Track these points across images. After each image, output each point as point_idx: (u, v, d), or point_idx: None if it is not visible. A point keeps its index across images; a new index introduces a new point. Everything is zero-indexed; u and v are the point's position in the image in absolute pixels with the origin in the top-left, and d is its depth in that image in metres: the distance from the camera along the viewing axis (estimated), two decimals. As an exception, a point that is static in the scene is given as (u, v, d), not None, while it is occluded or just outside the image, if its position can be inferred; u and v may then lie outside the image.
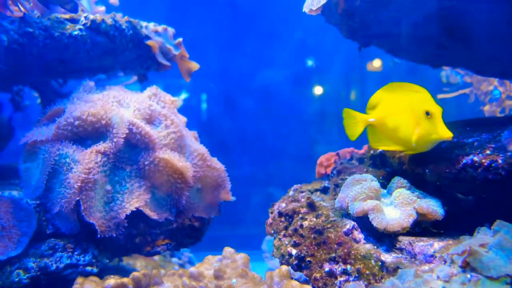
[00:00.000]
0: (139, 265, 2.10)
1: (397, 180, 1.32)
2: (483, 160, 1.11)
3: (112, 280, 1.07)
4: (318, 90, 4.71)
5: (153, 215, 1.41)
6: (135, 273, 1.14)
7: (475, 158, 1.13)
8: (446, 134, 1.16)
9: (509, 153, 1.08)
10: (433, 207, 1.19)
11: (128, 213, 1.36)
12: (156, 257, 2.36)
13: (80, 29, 1.72)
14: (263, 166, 4.40)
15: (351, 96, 4.67)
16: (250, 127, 4.59)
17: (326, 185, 1.73)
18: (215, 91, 4.62)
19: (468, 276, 0.97)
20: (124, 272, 1.80)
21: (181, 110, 1.83)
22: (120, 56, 1.99)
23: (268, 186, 4.21)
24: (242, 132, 4.51)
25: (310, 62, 4.05)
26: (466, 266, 0.99)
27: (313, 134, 4.66)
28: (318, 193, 1.66)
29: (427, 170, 1.26)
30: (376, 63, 4.43)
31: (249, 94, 4.62)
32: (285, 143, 4.54)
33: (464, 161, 1.14)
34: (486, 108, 2.89)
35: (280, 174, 4.33)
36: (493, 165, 1.09)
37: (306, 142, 4.55)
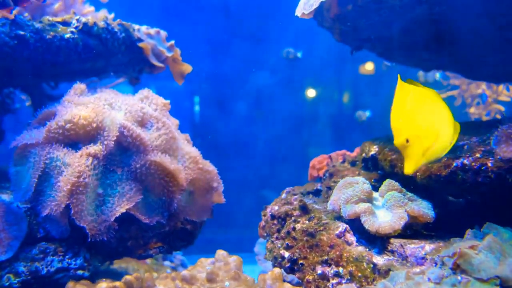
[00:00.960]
0: (131, 268, 2.09)
1: (389, 183, 1.33)
2: (473, 163, 1.12)
3: (104, 283, 1.06)
4: (310, 93, 4.73)
5: (143, 218, 1.40)
6: (127, 277, 1.14)
7: (465, 161, 1.14)
8: (405, 169, 1.16)
9: (498, 157, 1.09)
10: (424, 210, 1.20)
11: (118, 215, 1.35)
12: (149, 261, 2.35)
13: (72, 32, 1.71)
14: (255, 169, 4.41)
15: (344, 99, 4.69)
16: (242, 130, 4.60)
17: (319, 187, 1.74)
18: (208, 94, 4.62)
19: (459, 278, 0.98)
20: (116, 275, 1.78)
21: (174, 113, 1.82)
22: (112, 59, 1.98)
23: (261, 189, 4.22)
24: (235, 135, 4.52)
25: (298, 54, 4.03)
26: (456, 268, 0.99)
27: (305, 136, 4.68)
28: (311, 195, 1.67)
29: (418, 173, 1.27)
30: (368, 66, 4.46)
31: (242, 97, 4.63)
32: (278, 146, 4.56)
33: (454, 164, 1.16)
34: (472, 110, 2.92)
35: (272, 176, 4.34)
36: (482, 168, 1.10)
37: (298, 144, 4.56)
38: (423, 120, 1.14)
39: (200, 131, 4.46)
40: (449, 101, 2.98)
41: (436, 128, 1.13)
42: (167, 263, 2.54)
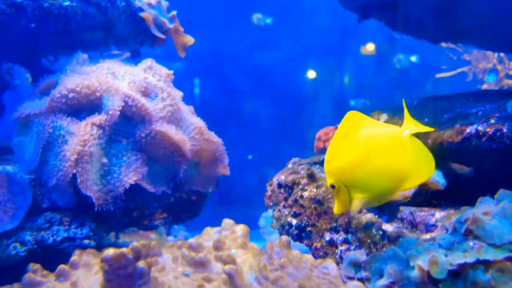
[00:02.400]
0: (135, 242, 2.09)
1: (398, 151, 1.30)
2: (488, 129, 1.10)
3: (111, 250, 1.05)
4: (312, 72, 4.70)
5: (150, 187, 1.39)
6: (134, 243, 1.12)
7: (480, 128, 1.11)
8: (334, 210, 1.01)
9: (514, 121, 1.07)
10: (435, 177, 1.19)
11: (127, 187, 1.34)
12: (152, 235, 2.35)
13: (70, 0, 1.67)
14: (257, 147, 4.39)
15: (345, 79, 4.66)
16: (244, 108, 4.57)
17: (325, 159, 1.71)
18: (209, 72, 4.57)
19: (471, 244, 0.97)
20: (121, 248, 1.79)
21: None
22: (112, 30, 1.94)
23: (262, 167, 4.21)
24: (236, 113, 4.49)
25: (267, 20, 3.87)
26: (468, 234, 0.98)
27: (307, 115, 4.65)
28: (317, 165, 1.65)
29: (429, 141, 1.25)
30: (370, 47, 4.43)
31: (244, 75, 4.58)
32: (280, 125, 4.53)
33: (468, 130, 1.13)
34: (484, 86, 2.88)
35: (274, 155, 4.32)
36: (497, 134, 1.08)
37: (300, 123, 4.54)
38: (355, 167, 0.99)
39: (202, 110, 4.42)
40: (460, 77, 2.93)
41: (368, 178, 0.98)
42: (170, 238, 2.55)
